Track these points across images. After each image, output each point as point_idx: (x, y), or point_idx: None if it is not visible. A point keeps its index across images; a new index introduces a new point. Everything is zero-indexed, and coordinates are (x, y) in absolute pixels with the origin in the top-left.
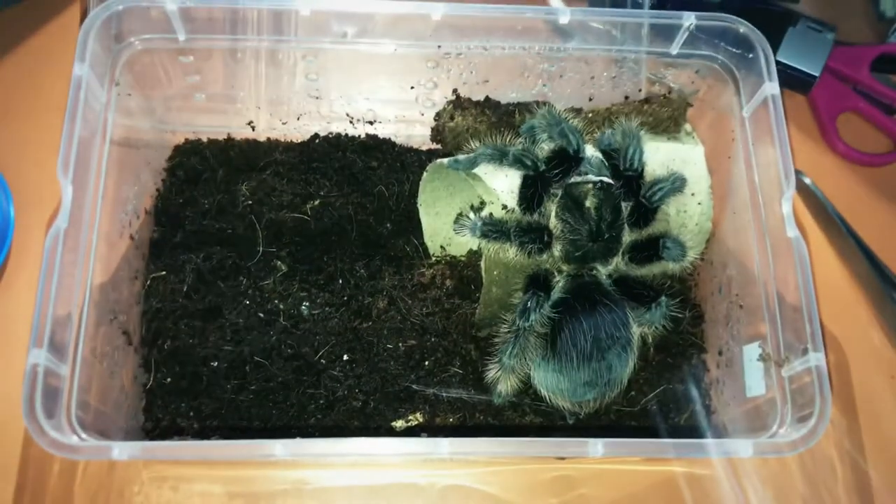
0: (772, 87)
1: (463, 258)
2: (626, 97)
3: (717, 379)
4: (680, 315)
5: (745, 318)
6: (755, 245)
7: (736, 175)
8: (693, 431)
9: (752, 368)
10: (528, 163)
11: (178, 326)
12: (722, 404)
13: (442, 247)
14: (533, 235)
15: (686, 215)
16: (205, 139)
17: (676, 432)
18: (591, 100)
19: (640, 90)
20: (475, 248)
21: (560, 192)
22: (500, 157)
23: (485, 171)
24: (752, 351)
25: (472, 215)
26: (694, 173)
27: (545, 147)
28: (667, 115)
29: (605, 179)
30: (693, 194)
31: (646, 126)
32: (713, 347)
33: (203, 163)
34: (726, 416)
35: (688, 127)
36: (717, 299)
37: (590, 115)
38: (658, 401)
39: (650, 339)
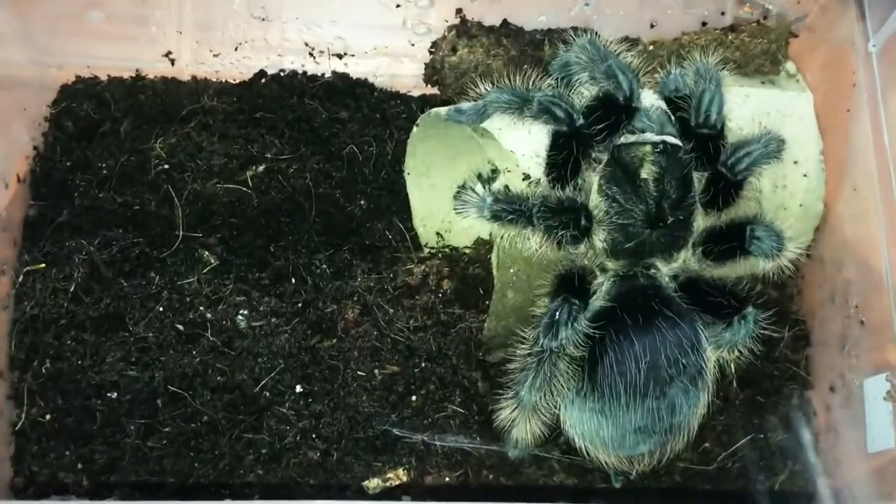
0: None
1: (468, 250)
2: (704, 23)
3: (829, 426)
4: (775, 334)
5: (867, 339)
6: (884, 236)
7: (858, 136)
8: (794, 500)
9: (876, 411)
10: (561, 114)
11: (62, 342)
12: (835, 461)
13: (438, 234)
14: (565, 218)
15: (786, 192)
16: (104, 77)
17: (770, 502)
18: (652, 27)
19: (723, 13)
20: (485, 235)
21: (605, 158)
22: (520, 105)
23: (499, 125)
24: (876, 386)
25: (479, 188)
26: (798, 132)
27: (585, 92)
28: (761, 50)
29: (670, 139)
30: (796, 163)
31: (730, 64)
32: (823, 381)
33: (101, 110)
34: (842, 479)
35: (790, 67)
36: (828, 312)
37: (651, 47)
38: (743, 456)
39: (732, 369)
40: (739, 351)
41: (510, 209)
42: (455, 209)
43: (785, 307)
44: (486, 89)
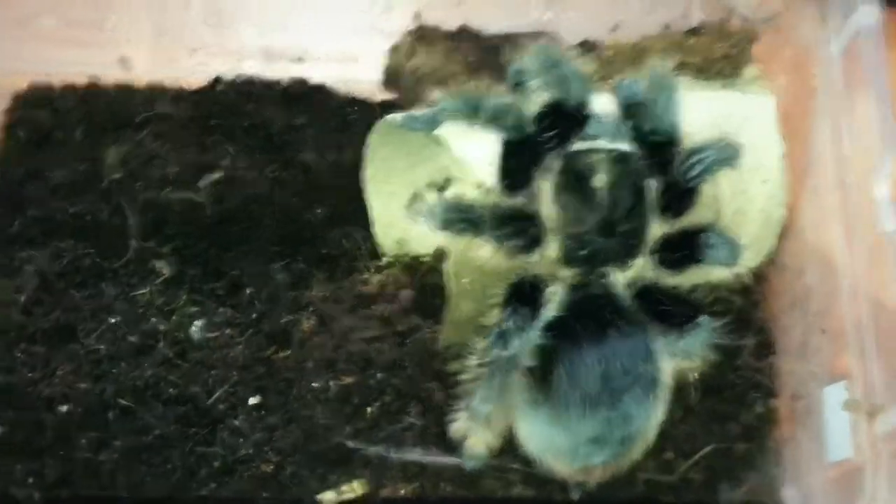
0: (869, 11)
1: (428, 259)
2: (667, 26)
3: (792, 434)
4: (737, 343)
5: (827, 347)
6: (843, 242)
7: (818, 140)
8: None
9: (835, 420)
10: (510, 122)
11: (13, 354)
12: (798, 471)
13: (398, 242)
14: (517, 226)
15: (745, 198)
16: (57, 83)
17: None
18: (614, 29)
19: (685, 16)
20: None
21: (558, 165)
22: (470, 112)
23: (453, 132)
24: (835, 394)
25: (430, 197)
26: (759, 137)
27: (540, 100)
28: (722, 53)
29: (622, 147)
30: (756, 168)
31: (690, 68)
32: (786, 389)
33: (53, 118)
34: (805, 489)
35: (752, 70)
36: (790, 320)
37: (610, 52)
38: (705, 466)
39: (692, 378)
40: (696, 360)
41: (460, 218)
42: (407, 217)
43: (749, 314)
44: (439, 96)
